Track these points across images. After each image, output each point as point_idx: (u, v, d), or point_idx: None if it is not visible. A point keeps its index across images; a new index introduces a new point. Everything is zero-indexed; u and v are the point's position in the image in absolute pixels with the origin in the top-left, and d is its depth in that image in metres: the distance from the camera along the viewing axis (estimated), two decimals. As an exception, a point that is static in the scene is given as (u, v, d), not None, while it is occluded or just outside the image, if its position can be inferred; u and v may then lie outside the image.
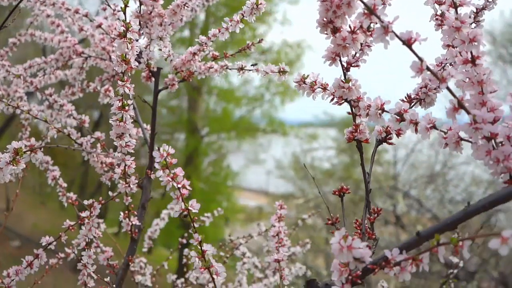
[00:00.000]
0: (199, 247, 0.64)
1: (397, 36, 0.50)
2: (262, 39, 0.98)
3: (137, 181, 0.90)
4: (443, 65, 0.68)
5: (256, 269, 1.33)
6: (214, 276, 0.64)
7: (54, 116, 1.17)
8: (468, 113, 0.51)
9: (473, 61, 0.53)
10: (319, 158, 9.86)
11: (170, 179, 0.61)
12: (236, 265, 1.26)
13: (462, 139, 0.54)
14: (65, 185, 1.09)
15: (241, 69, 0.94)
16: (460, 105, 0.51)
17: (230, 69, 0.96)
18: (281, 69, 0.83)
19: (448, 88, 0.51)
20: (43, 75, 1.17)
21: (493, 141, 0.51)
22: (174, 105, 11.52)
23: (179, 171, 0.62)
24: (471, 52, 0.53)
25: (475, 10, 0.70)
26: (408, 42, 0.50)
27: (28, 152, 0.66)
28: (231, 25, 0.88)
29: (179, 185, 0.61)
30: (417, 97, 0.68)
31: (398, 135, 0.66)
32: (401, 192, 5.65)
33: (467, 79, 0.53)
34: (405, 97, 0.68)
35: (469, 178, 7.32)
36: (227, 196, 10.52)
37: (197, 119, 11.05)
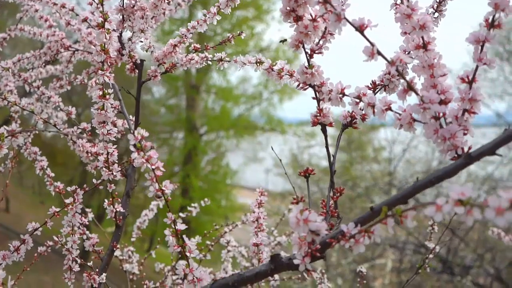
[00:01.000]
0: (173, 226, 0.68)
1: (349, 22, 0.53)
2: (241, 32, 1.01)
3: (120, 169, 0.94)
4: (406, 52, 0.71)
5: (243, 258, 1.37)
6: (187, 254, 0.67)
7: (43, 108, 1.20)
8: (417, 94, 0.54)
9: (424, 46, 0.57)
10: (317, 156, 9.90)
11: (145, 161, 0.64)
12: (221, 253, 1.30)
13: (415, 120, 0.57)
14: (52, 174, 1.12)
15: (220, 60, 0.97)
16: (409, 87, 0.54)
17: (210, 60, 0.99)
18: (258, 60, 0.86)
19: (398, 71, 0.54)
20: (32, 69, 1.20)
21: (442, 120, 0.55)
22: (173, 104, 11.56)
23: (153, 154, 0.65)
24: (422, 38, 0.56)
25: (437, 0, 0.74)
26: (360, 28, 0.54)
27: (10, 137, 0.69)
28: (208, 17, 0.92)
29: (153, 167, 0.65)
30: (381, 83, 0.71)
31: (363, 119, 0.70)
32: (396, 188, 5.68)
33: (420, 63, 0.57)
34: (370, 83, 0.72)
35: (464, 175, 7.37)
36: (226, 194, 10.55)
37: (195, 118, 11.09)
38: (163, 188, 0.66)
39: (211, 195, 9.96)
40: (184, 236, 0.68)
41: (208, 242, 1.31)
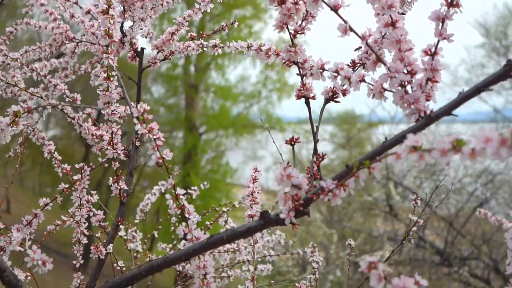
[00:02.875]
0: (173, 191, 0.75)
1: (325, 3, 0.61)
2: (235, 21, 1.09)
3: (123, 147, 1.01)
4: (383, 34, 0.79)
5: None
6: (187, 215, 0.75)
7: (49, 97, 1.27)
8: (385, 65, 0.62)
9: (392, 24, 0.64)
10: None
11: (147, 131, 0.72)
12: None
13: (385, 89, 0.65)
14: (60, 158, 1.20)
15: (215, 46, 1.05)
16: (378, 59, 0.62)
17: (205, 47, 1.07)
18: (249, 45, 0.93)
19: (368, 45, 0.62)
20: (39, 59, 1.27)
21: (408, 88, 0.62)
22: (172, 103, 11.62)
23: (155, 125, 0.73)
24: (391, 16, 0.64)
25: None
26: (335, 8, 0.61)
27: (26, 114, 0.77)
28: (203, 5, 1.00)
29: (155, 137, 0.72)
30: (360, 61, 0.79)
31: (343, 94, 0.77)
32: (392, 181, 5.76)
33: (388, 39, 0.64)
34: (350, 62, 0.79)
35: (461, 169, 7.46)
36: (226, 193, 10.60)
37: (195, 117, 11.16)
38: (164, 156, 0.73)
39: (211, 194, 10.05)
40: (183, 199, 0.76)
41: (207, 222, 1.39)
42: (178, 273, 1.53)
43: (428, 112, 0.61)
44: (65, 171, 1.16)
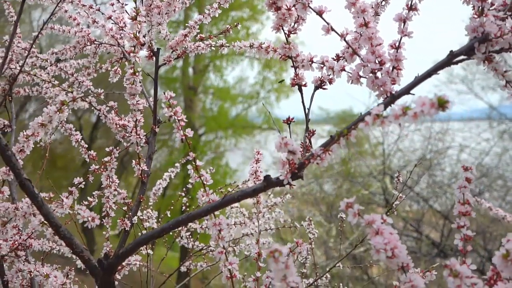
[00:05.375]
0: (194, 163, 0.93)
1: (312, 9, 0.78)
2: (238, 23, 1.27)
3: (145, 134, 1.19)
4: (359, 32, 0.96)
5: (243, 217, 1.62)
6: (204, 182, 0.92)
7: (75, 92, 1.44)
8: (359, 56, 0.79)
9: (365, 24, 0.82)
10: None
11: (173, 114, 0.90)
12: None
13: (360, 76, 0.83)
14: (86, 145, 1.37)
15: (221, 45, 1.22)
16: (354, 52, 0.80)
17: (213, 47, 1.24)
18: (251, 44, 1.11)
19: (346, 41, 0.79)
20: (64, 60, 1.45)
21: (378, 74, 0.80)
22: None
23: (179, 109, 0.90)
24: (364, 19, 0.81)
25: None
26: (320, 13, 0.79)
27: (72, 102, 0.94)
28: (211, 11, 1.17)
29: (179, 118, 0.90)
30: (343, 55, 0.96)
31: (330, 82, 0.95)
32: (388, 176, 5.94)
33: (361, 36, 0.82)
34: (335, 56, 0.97)
35: (459, 165, 7.65)
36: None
37: (194, 119, 11.32)
38: (186, 133, 0.91)
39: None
40: (200, 168, 0.93)
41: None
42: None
43: (393, 92, 0.78)
44: (91, 157, 1.33)
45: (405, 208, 6.47)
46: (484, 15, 0.71)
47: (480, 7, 0.72)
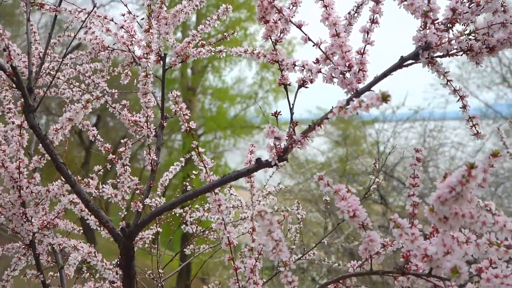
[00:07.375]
0: (197, 150, 1.12)
1: (293, 23, 0.97)
2: (234, 31, 1.46)
3: (155, 127, 1.38)
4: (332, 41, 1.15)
5: (240, 202, 1.81)
6: (206, 165, 1.11)
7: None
8: (331, 61, 0.98)
9: (337, 34, 1.01)
10: (314, 153, 10.29)
11: (179, 110, 1.09)
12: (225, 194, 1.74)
13: (333, 76, 1.02)
14: (102, 140, 1.56)
15: (220, 51, 1.42)
16: (327, 57, 0.99)
17: (213, 52, 1.44)
18: (245, 50, 1.30)
19: (320, 49, 0.98)
20: (81, 64, 1.64)
21: (347, 75, 0.99)
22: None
23: (183, 105, 1.09)
24: (335, 30, 1.00)
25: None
26: (299, 26, 0.98)
27: (95, 100, 1.13)
28: (212, 21, 1.36)
29: (184, 113, 1.09)
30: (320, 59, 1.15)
31: (311, 82, 1.14)
32: (382, 172, 6.13)
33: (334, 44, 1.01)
34: (315, 59, 1.16)
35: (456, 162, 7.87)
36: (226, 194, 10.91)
37: (193, 119, 11.50)
38: (190, 125, 1.10)
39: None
40: (203, 154, 1.12)
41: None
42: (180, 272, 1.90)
43: (358, 89, 0.97)
44: (107, 149, 1.52)
45: (398, 204, 6.68)
46: (427, 28, 0.91)
47: (424, 22, 0.91)
